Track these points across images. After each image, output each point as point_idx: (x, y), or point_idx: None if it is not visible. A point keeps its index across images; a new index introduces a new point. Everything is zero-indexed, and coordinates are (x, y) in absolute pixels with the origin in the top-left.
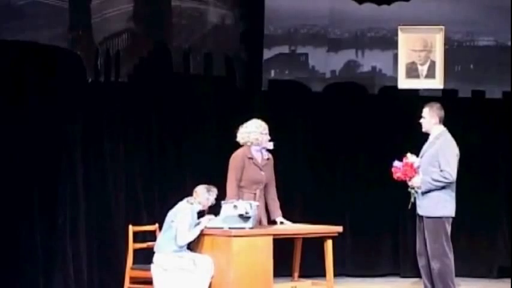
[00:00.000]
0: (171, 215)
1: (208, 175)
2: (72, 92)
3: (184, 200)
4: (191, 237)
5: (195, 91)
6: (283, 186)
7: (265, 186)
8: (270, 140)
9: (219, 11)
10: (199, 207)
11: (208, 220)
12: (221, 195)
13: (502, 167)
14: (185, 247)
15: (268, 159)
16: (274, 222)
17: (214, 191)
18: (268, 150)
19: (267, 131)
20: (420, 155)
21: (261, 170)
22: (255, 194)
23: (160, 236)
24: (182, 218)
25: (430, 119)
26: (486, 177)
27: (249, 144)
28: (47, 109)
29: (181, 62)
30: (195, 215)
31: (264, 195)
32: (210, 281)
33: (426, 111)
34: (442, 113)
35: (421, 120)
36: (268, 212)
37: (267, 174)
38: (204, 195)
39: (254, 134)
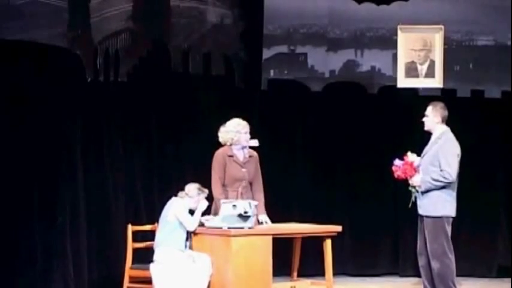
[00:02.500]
0: (165, 211)
1: (207, 175)
2: (71, 92)
3: (174, 197)
4: (197, 220)
5: (194, 91)
6: (282, 186)
7: (251, 185)
8: (252, 138)
9: (218, 11)
10: (190, 203)
11: (206, 204)
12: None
13: (501, 166)
14: (184, 244)
15: (251, 156)
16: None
17: (205, 192)
18: (253, 148)
19: (246, 129)
20: (422, 154)
21: (242, 167)
22: (237, 191)
23: (158, 233)
24: (179, 209)
25: (433, 118)
26: (485, 177)
27: (228, 143)
28: (47, 109)
29: (180, 62)
30: (187, 210)
31: (251, 193)
32: (209, 280)
33: (430, 110)
34: (446, 113)
35: (424, 119)
36: None
37: (251, 171)
38: (194, 191)
39: (231, 133)
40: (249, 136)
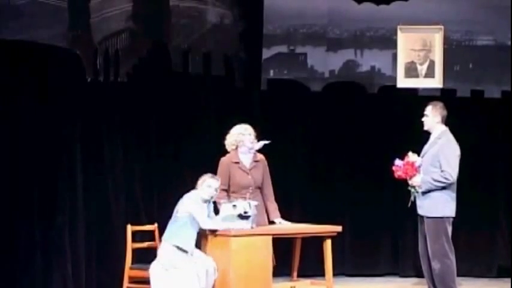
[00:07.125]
0: (177, 205)
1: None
2: (71, 92)
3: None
4: (213, 223)
5: (194, 91)
6: (282, 186)
7: (261, 188)
8: (259, 140)
9: (218, 11)
10: (205, 195)
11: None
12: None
13: (500, 166)
14: (190, 243)
15: (258, 161)
16: (273, 223)
17: (217, 179)
18: (260, 151)
19: (249, 131)
20: (421, 154)
21: (248, 174)
22: (245, 197)
23: (168, 227)
24: (192, 204)
25: (433, 117)
26: (485, 177)
27: (233, 148)
28: (46, 108)
29: (180, 62)
30: (207, 200)
31: (261, 197)
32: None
33: (429, 110)
34: (445, 112)
35: (424, 119)
36: (267, 214)
37: (257, 177)
38: (206, 182)
39: (234, 136)
40: (253, 138)
